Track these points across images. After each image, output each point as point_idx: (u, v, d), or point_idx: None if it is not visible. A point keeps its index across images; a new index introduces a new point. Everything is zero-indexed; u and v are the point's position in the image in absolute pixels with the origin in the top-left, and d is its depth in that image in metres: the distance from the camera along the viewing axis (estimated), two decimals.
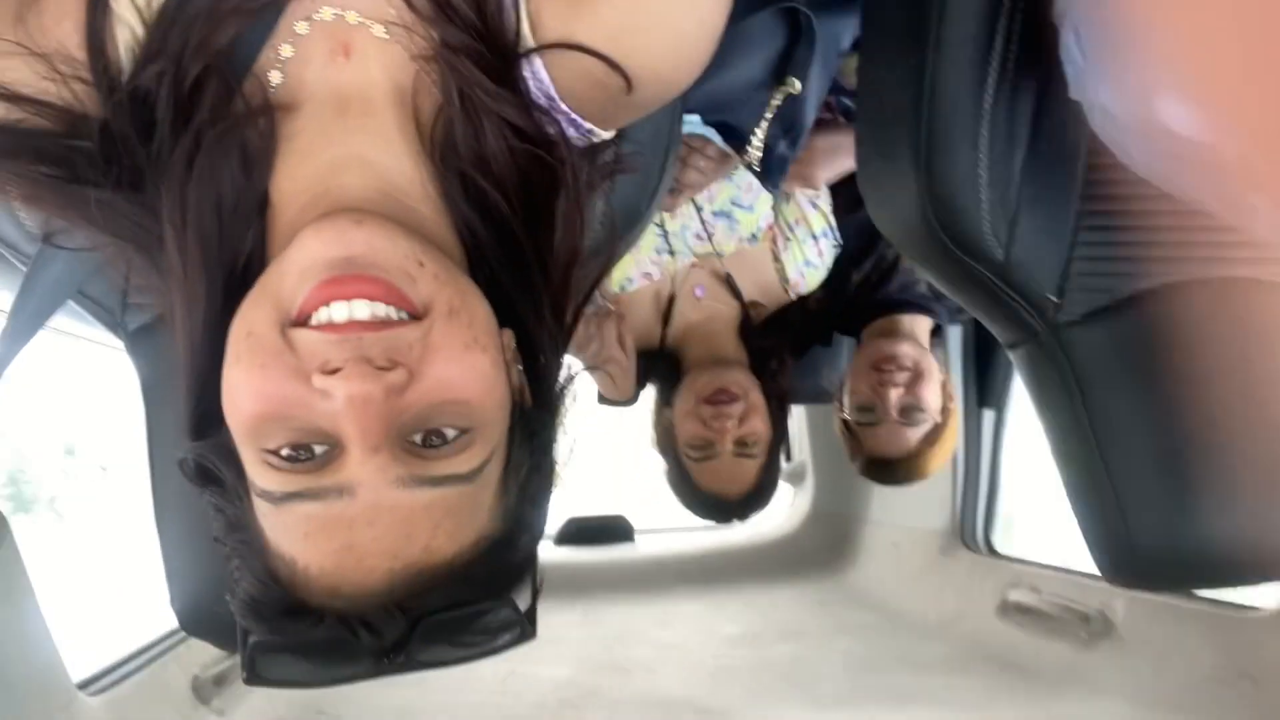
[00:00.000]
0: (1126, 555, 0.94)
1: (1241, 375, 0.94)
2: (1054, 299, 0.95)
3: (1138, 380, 0.95)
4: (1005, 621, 1.98)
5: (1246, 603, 1.49)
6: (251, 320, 0.53)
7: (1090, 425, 0.94)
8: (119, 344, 0.84)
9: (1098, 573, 1.01)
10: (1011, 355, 1.04)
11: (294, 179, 0.60)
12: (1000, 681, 1.77)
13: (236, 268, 0.59)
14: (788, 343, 1.64)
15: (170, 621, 1.46)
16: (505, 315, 0.60)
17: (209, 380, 0.57)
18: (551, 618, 0.60)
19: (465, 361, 0.54)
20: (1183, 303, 0.94)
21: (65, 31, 0.58)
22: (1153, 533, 0.92)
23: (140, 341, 0.82)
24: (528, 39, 0.63)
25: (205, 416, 0.58)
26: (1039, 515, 2.25)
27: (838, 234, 1.63)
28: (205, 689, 1.45)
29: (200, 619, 0.84)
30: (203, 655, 1.48)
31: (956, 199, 0.91)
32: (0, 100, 0.57)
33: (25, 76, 0.57)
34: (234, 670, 1.52)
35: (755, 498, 1.56)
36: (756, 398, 1.51)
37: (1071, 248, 0.93)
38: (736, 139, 1.33)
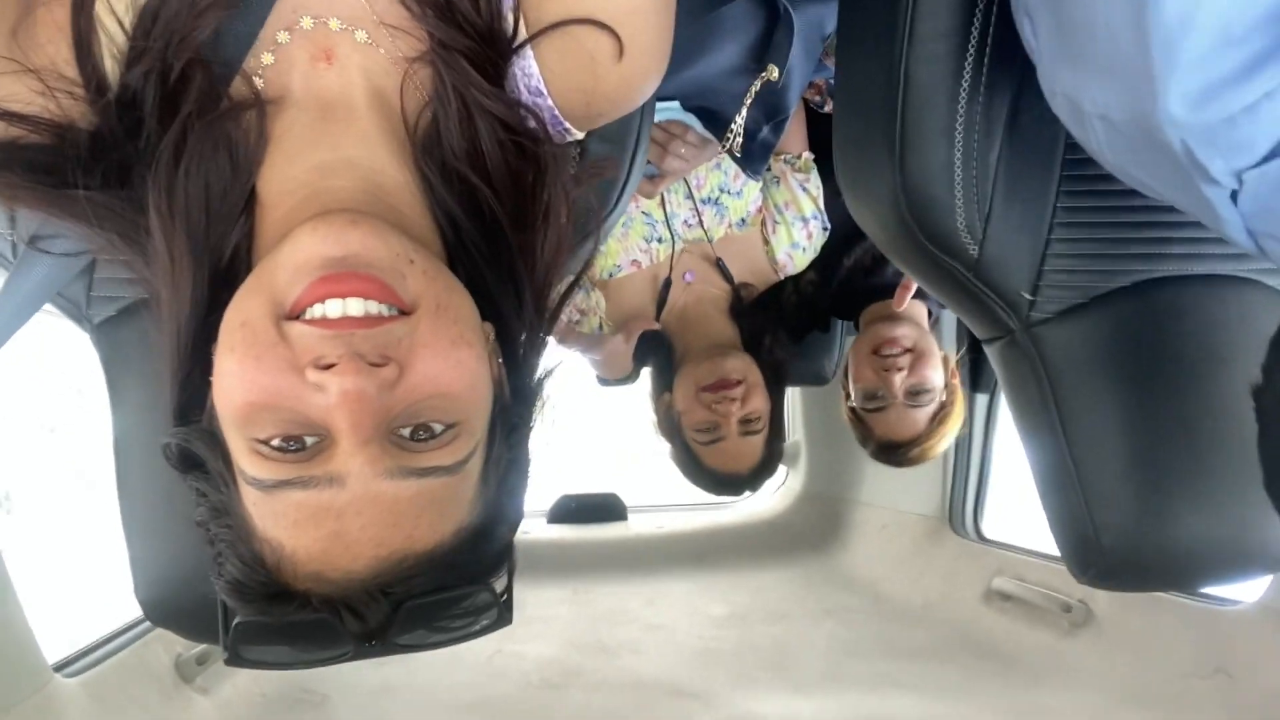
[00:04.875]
0: (1094, 554, 0.93)
1: (1215, 374, 0.93)
2: (1028, 296, 0.94)
3: (1110, 379, 0.94)
4: (989, 608, 1.99)
5: (1226, 597, 1.49)
6: (246, 310, 0.53)
7: (1061, 423, 0.93)
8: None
9: None
10: (987, 351, 1.03)
11: (282, 179, 0.60)
12: (981, 668, 1.78)
13: (223, 259, 0.60)
14: (778, 318, 1.64)
15: None
16: (485, 309, 0.61)
17: (192, 367, 0.59)
18: (542, 594, 0.62)
19: (452, 357, 0.55)
20: (1157, 301, 0.93)
21: (57, 48, 0.59)
22: (1119, 533, 0.91)
23: (105, 334, 0.82)
24: (523, 32, 0.64)
25: (189, 402, 0.59)
26: (1027, 501, 2.24)
27: (826, 218, 1.62)
28: (188, 667, 1.46)
29: (165, 608, 0.84)
30: None
31: (931, 194, 0.90)
32: None
33: (17, 91, 0.58)
34: (217, 650, 1.53)
35: (764, 468, 1.62)
36: (755, 376, 1.55)
37: (1046, 244, 0.92)
38: (717, 125, 1.31)
